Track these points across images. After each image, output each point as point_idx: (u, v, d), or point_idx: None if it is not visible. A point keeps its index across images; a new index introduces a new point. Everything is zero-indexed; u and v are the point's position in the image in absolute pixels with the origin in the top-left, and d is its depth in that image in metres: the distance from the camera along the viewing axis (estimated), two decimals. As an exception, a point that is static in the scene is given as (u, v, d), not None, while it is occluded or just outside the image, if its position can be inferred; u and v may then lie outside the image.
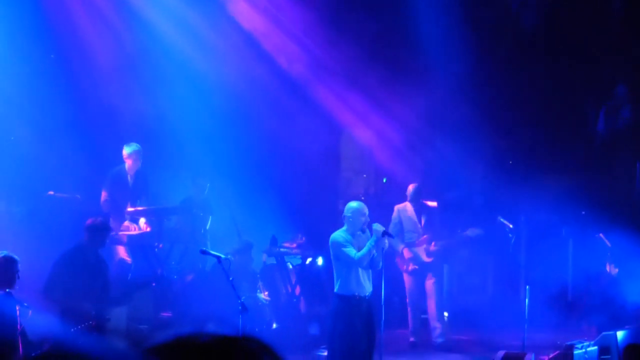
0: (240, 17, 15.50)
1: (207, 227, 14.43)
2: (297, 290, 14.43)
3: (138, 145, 13.65)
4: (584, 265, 15.27)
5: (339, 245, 10.61)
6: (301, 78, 15.92)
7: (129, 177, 13.68)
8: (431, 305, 13.91)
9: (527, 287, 12.36)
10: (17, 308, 9.49)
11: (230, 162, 14.93)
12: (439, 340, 13.84)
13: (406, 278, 13.98)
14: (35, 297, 10.55)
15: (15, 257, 9.52)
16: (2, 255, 9.53)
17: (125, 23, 14.61)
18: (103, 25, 14.52)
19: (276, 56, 15.88)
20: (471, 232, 13.94)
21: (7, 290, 9.46)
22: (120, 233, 13.34)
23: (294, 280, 14.51)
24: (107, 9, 14.55)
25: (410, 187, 13.96)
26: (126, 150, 13.60)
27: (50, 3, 14.16)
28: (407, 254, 13.81)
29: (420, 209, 13.89)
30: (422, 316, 14.10)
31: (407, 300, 14.02)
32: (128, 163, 13.62)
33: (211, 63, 15.12)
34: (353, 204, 10.85)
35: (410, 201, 13.87)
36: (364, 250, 10.53)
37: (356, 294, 10.60)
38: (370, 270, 10.69)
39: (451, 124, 16.19)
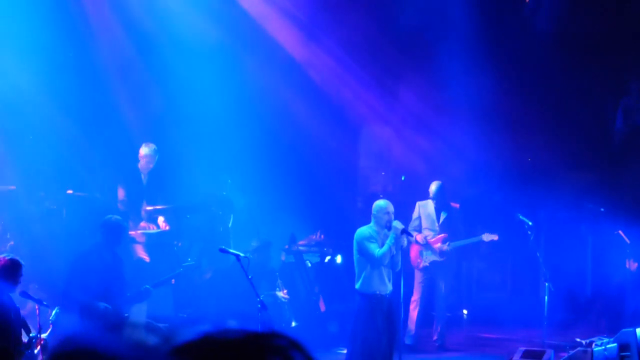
0: (257, 15, 15.48)
1: (230, 225, 14.39)
2: (316, 288, 14.42)
3: (155, 146, 13.52)
4: (603, 262, 15.22)
5: (363, 238, 10.68)
6: (320, 76, 15.90)
7: (142, 176, 13.62)
8: (438, 307, 13.91)
9: (547, 284, 12.32)
10: (37, 307, 9.55)
11: (248, 161, 14.92)
12: (438, 342, 13.82)
13: (417, 275, 13.90)
14: (55, 297, 10.60)
15: (21, 261, 9.56)
16: (9, 257, 9.55)
17: (141, 21, 14.62)
18: (121, 24, 14.54)
19: (295, 54, 15.85)
20: (486, 237, 13.79)
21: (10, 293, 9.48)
22: (138, 232, 13.33)
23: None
24: (125, 8, 14.56)
25: (433, 185, 13.88)
26: (143, 150, 13.49)
27: (70, 1, 14.19)
28: (417, 250, 13.74)
29: (441, 207, 13.80)
30: (432, 312, 14.05)
31: (413, 297, 13.75)
32: (141, 162, 13.53)
33: (230, 61, 15.12)
34: (379, 202, 10.98)
35: (433, 199, 13.79)
36: (384, 248, 10.54)
37: (377, 292, 10.62)
38: (391, 270, 10.71)
39: (470, 122, 16.13)
